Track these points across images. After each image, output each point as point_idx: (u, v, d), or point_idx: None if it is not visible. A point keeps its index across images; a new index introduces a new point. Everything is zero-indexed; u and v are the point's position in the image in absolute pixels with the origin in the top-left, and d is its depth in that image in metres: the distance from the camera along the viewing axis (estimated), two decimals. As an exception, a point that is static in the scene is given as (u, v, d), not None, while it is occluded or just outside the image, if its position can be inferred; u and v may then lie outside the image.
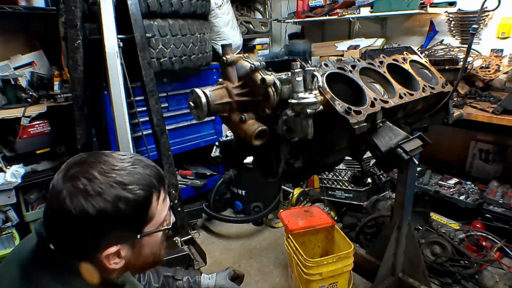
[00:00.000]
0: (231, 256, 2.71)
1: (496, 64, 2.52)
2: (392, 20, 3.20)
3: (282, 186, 3.24)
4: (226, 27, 3.15)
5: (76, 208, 0.72)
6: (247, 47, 3.79)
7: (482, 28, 2.69)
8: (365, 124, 0.99)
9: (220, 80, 0.99)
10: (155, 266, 1.03)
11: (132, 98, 2.09)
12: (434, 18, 2.93)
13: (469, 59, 2.58)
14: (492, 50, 2.66)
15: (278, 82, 0.91)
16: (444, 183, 2.70)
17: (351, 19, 3.11)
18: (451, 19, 2.81)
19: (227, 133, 1.23)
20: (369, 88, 1.12)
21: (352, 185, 2.84)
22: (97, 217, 0.72)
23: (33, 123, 2.49)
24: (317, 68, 1.08)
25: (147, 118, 2.25)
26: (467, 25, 2.71)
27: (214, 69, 3.05)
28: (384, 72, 1.23)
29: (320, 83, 0.93)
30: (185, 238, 2.25)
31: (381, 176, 2.88)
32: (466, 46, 2.00)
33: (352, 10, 3.04)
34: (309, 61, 3.38)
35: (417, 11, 2.64)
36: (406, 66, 1.32)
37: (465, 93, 2.56)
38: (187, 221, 2.46)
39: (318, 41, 3.71)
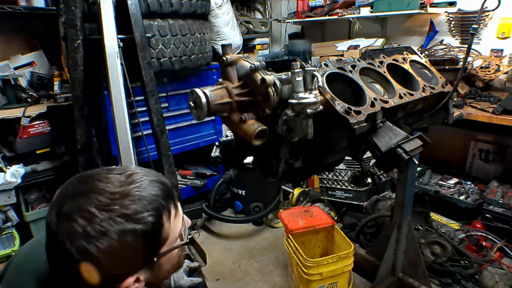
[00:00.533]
0: (231, 256, 2.71)
1: (496, 64, 2.52)
2: (392, 20, 3.20)
3: (282, 186, 3.24)
4: (226, 27, 3.15)
5: (78, 251, 0.64)
6: (247, 47, 3.79)
7: (482, 28, 2.69)
8: (365, 124, 0.99)
9: (220, 80, 0.99)
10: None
11: (132, 98, 2.09)
12: (434, 18, 2.93)
13: (469, 59, 2.58)
14: (492, 50, 2.66)
15: (278, 82, 0.91)
16: (444, 183, 2.70)
17: (351, 19, 3.11)
18: (451, 19, 2.81)
19: (227, 133, 1.23)
20: (369, 88, 1.12)
21: (352, 185, 2.84)
22: (104, 257, 0.65)
23: (33, 123, 2.49)
24: (317, 68, 1.08)
25: (147, 118, 2.25)
26: (467, 25, 2.71)
27: (214, 69, 3.05)
28: (384, 72, 1.23)
29: (320, 83, 0.93)
30: (185, 238, 2.25)
31: (381, 176, 2.88)
32: (466, 46, 2.00)
33: (352, 10, 3.04)
34: (309, 61, 3.38)
35: (417, 11, 2.64)
36: (406, 66, 1.32)
37: (465, 93, 2.56)
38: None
39: (318, 41, 3.71)
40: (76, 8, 2.00)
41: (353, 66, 1.16)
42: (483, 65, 2.58)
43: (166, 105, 2.82)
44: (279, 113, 0.95)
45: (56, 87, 2.70)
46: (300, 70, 0.86)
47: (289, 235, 2.09)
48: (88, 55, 2.08)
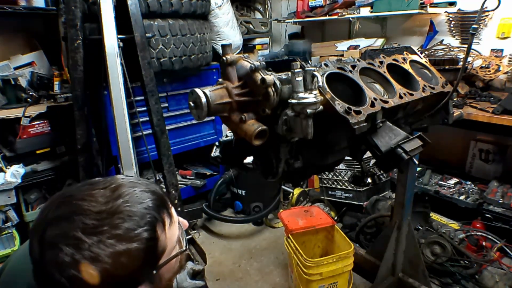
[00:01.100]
0: (231, 256, 2.71)
1: (496, 64, 2.52)
2: (392, 20, 3.20)
3: (282, 186, 3.24)
4: (226, 27, 3.15)
5: (70, 280, 0.59)
6: (247, 47, 3.79)
7: (482, 28, 2.69)
8: (365, 124, 0.99)
9: (220, 80, 0.99)
10: None
11: (132, 98, 2.09)
12: (434, 18, 2.93)
13: (469, 59, 2.58)
14: (492, 50, 2.66)
15: (278, 82, 0.91)
16: (444, 183, 2.70)
17: (351, 19, 3.11)
18: (451, 19, 2.81)
19: (227, 133, 1.23)
20: (369, 88, 1.12)
21: (352, 185, 2.84)
22: (99, 283, 0.60)
23: (33, 123, 2.49)
24: (317, 68, 1.08)
25: (147, 118, 2.25)
26: (467, 25, 2.71)
27: (214, 69, 3.04)
28: (384, 72, 1.23)
29: (320, 83, 0.93)
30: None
31: (381, 176, 2.88)
32: (466, 46, 2.00)
33: (352, 10, 3.04)
34: (309, 61, 3.38)
35: (417, 11, 2.64)
36: (406, 66, 1.32)
37: (465, 93, 2.56)
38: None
39: (318, 41, 3.71)
40: (76, 8, 2.00)
41: (353, 66, 1.16)
42: (483, 65, 2.58)
43: (166, 105, 2.82)
44: (279, 113, 0.95)
45: (56, 87, 2.70)
46: (300, 70, 0.86)
47: (289, 235, 2.09)
48: (88, 55, 2.08)
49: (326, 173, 2.91)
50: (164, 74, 2.64)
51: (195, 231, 2.97)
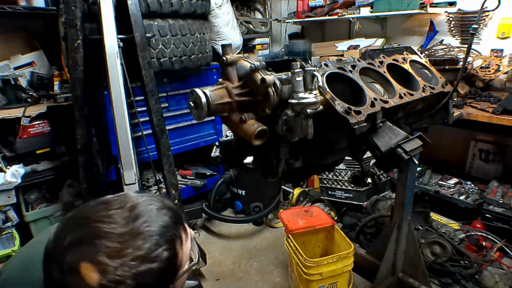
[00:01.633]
0: (231, 256, 2.71)
1: (496, 64, 2.52)
2: (392, 20, 3.20)
3: (282, 186, 3.24)
4: (226, 27, 3.15)
5: None
6: (247, 47, 3.78)
7: (482, 28, 2.69)
8: (365, 124, 0.99)
9: (220, 80, 0.99)
10: None
11: (132, 98, 2.09)
12: (434, 18, 2.93)
13: (469, 59, 2.58)
14: (492, 50, 2.66)
15: (278, 82, 0.91)
16: (444, 183, 2.70)
17: (351, 19, 3.11)
18: (451, 19, 2.81)
19: (227, 133, 1.23)
20: (369, 88, 1.12)
21: (352, 185, 2.84)
22: None
23: (33, 123, 2.49)
24: (317, 68, 1.08)
25: (147, 118, 2.25)
26: (467, 25, 2.71)
27: (214, 69, 3.04)
28: (384, 72, 1.23)
29: (320, 83, 0.93)
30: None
31: (381, 176, 2.88)
32: (466, 46, 2.00)
33: (352, 10, 3.04)
34: (309, 61, 3.38)
35: (417, 11, 2.64)
36: (406, 66, 1.32)
37: (465, 93, 2.56)
38: (187, 221, 2.46)
39: (318, 41, 3.71)
40: (76, 8, 2.00)
41: (353, 66, 1.16)
42: (483, 65, 2.58)
43: (166, 105, 2.82)
44: (279, 113, 0.95)
45: (56, 87, 2.70)
46: (300, 70, 0.86)
47: (289, 235, 2.09)
48: (88, 55, 2.08)
49: (326, 173, 2.91)
50: (164, 74, 2.64)
51: (195, 231, 2.96)
